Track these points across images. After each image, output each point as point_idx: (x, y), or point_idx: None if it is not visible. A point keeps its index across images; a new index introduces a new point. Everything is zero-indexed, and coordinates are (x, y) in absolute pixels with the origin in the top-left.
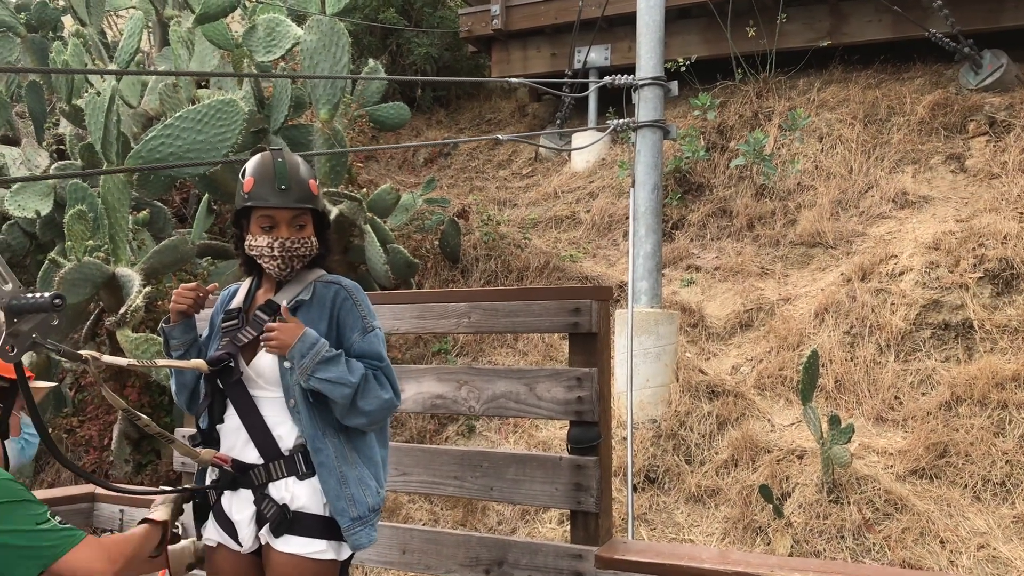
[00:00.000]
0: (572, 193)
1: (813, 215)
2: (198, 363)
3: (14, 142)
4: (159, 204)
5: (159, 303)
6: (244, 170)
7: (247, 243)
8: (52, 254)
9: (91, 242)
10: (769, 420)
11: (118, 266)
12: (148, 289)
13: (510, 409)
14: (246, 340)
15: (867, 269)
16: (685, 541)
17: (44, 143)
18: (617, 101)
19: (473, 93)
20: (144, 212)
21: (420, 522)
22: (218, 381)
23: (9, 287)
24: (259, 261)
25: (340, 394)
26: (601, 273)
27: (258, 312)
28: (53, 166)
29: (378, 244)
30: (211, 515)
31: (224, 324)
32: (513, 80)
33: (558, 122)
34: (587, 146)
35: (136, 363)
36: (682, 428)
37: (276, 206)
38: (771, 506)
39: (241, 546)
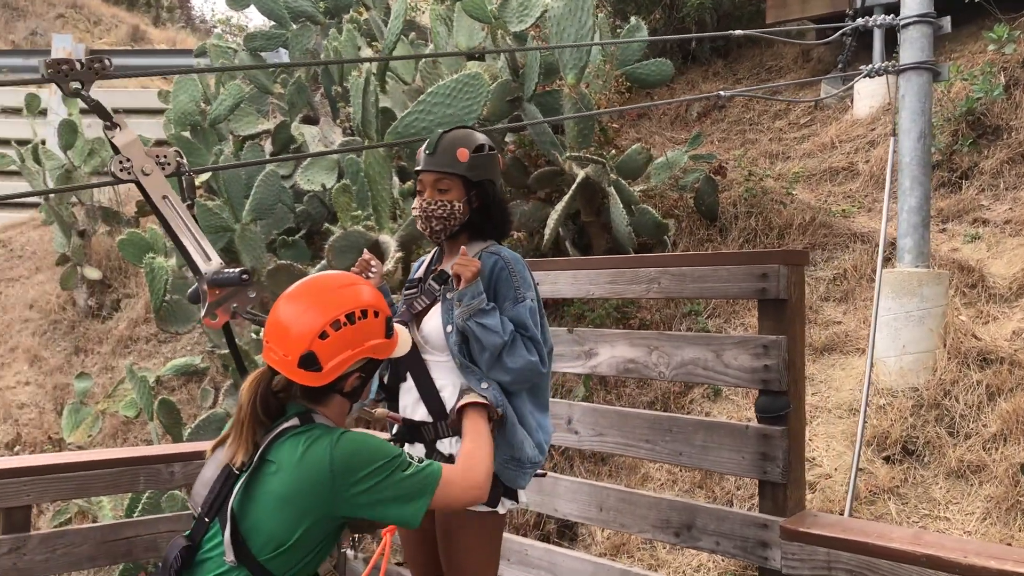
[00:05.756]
0: (851, 142)
1: None
2: None
3: (314, 121)
4: None
5: None
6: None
7: None
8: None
9: (358, 212)
10: None
11: (381, 234)
12: (399, 255)
13: (698, 375)
14: (419, 308)
15: None
16: (940, 519)
17: (338, 121)
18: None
19: (754, 40)
20: (409, 183)
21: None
22: None
23: (212, 263)
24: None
25: (491, 342)
26: (872, 229)
27: (430, 282)
28: (339, 142)
29: (620, 206)
30: None
31: (406, 292)
32: (754, 31)
33: (839, 66)
34: (838, 91)
35: None
36: (947, 398)
37: (419, 169)
38: None
39: None
